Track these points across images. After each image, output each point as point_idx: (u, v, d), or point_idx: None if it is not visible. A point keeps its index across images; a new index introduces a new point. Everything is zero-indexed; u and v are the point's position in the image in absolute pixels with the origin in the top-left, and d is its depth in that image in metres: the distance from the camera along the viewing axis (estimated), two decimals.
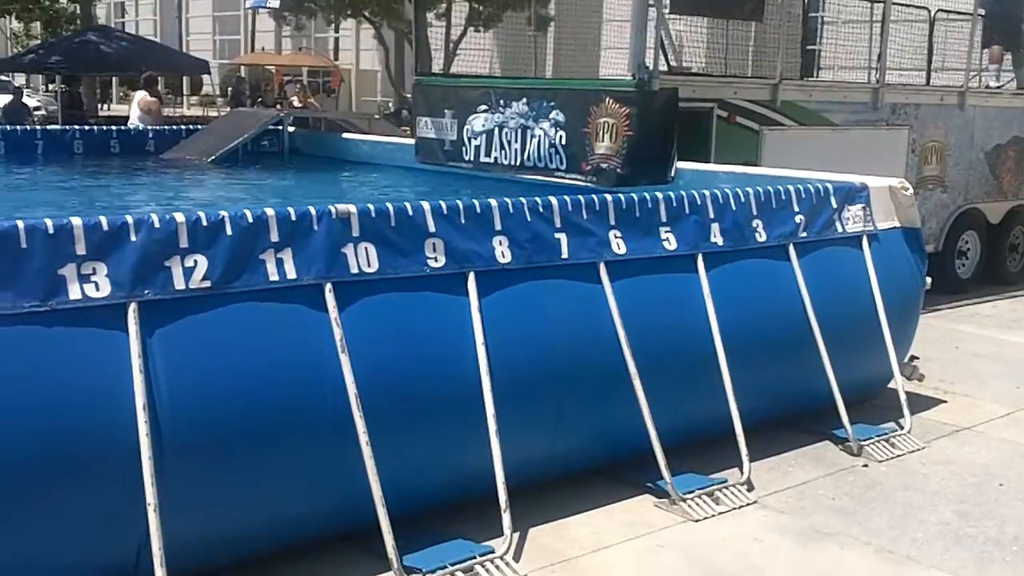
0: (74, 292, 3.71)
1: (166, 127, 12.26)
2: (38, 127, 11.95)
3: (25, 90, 26.16)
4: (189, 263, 3.96)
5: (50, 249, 3.68)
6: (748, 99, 8.55)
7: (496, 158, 8.59)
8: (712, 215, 5.64)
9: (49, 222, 3.71)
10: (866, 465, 5.74)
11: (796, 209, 6.05)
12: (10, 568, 3.58)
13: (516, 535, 4.54)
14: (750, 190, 5.87)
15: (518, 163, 8.35)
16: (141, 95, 13.40)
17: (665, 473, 5.05)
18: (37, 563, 3.66)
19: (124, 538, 3.78)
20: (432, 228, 4.63)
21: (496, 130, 8.58)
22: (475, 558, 4.35)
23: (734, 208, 5.74)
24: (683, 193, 5.59)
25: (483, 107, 8.69)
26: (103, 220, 3.82)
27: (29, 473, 3.56)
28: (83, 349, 3.71)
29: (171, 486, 3.74)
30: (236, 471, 4.00)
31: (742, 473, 5.34)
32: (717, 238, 5.64)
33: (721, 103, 8.36)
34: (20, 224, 3.65)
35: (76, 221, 3.76)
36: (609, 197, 5.31)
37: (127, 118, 14.24)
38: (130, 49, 24.10)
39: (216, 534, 4.04)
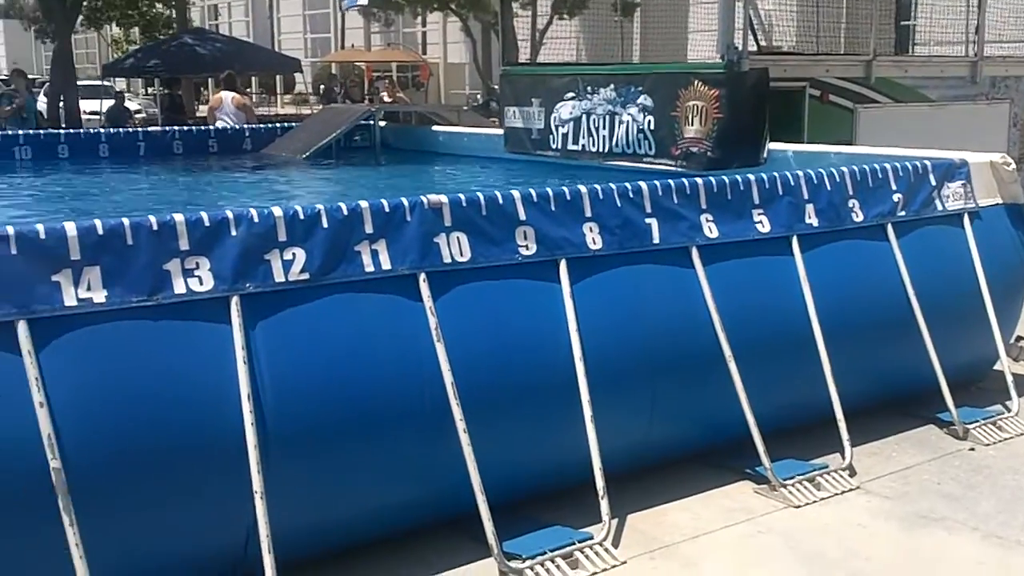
0: (179, 286, 3.82)
1: (262, 125, 12.51)
2: (139, 129, 12.28)
3: (126, 94, 26.90)
4: (288, 256, 4.05)
5: (155, 245, 3.80)
6: (841, 77, 8.39)
7: (584, 145, 8.58)
8: (806, 196, 5.55)
9: (153, 219, 3.83)
10: (972, 449, 5.60)
11: (893, 187, 5.91)
12: (122, 557, 3.71)
13: (614, 521, 4.54)
14: (845, 169, 5.76)
15: (606, 150, 8.33)
16: (229, 95, 13.65)
17: (764, 459, 4.99)
18: (149, 552, 3.78)
19: (233, 526, 3.88)
20: (523, 216, 4.65)
21: (583, 117, 8.57)
22: (574, 544, 4.37)
23: (829, 188, 5.65)
24: (776, 174, 5.51)
25: (570, 94, 8.69)
26: (204, 216, 3.92)
27: (140, 464, 3.68)
28: (189, 342, 3.82)
29: (276, 475, 3.83)
30: (338, 459, 4.07)
31: (844, 458, 5.25)
32: (812, 219, 5.55)
33: (813, 82, 8.22)
34: (126, 221, 3.77)
35: (179, 217, 3.87)
36: (700, 180, 5.27)
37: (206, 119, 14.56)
38: (225, 50, 24.67)
39: (320, 521, 4.12)
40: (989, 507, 4.87)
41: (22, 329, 3.53)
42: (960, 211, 6.20)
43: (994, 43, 10.02)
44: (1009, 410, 6.01)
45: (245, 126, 12.37)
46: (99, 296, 3.68)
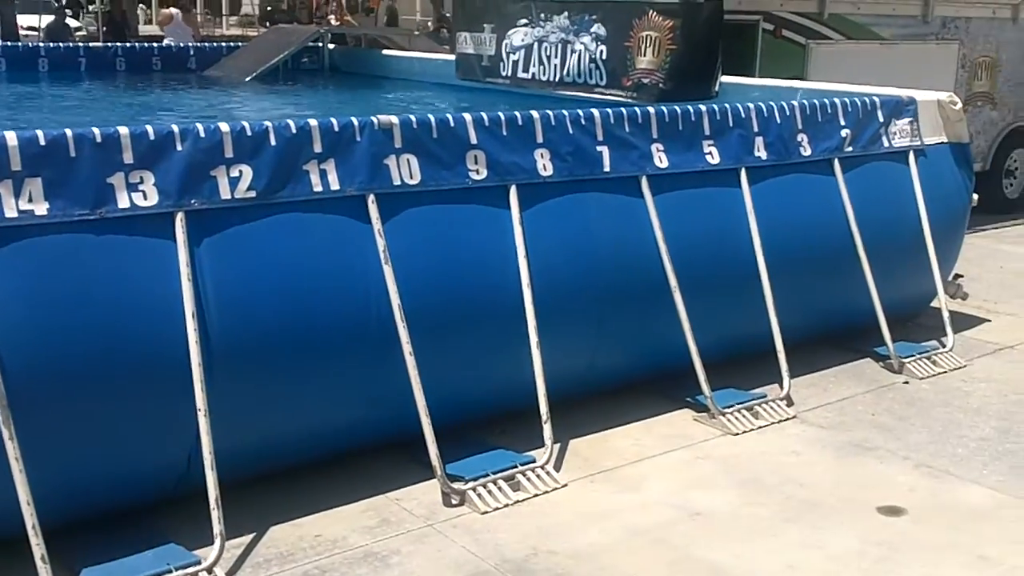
0: (123, 201, 3.75)
1: (207, 44, 12.23)
2: (81, 44, 11.94)
3: (66, 11, 26.07)
4: (235, 173, 3.99)
5: (99, 158, 3.72)
6: (795, 12, 8.37)
7: (534, 74, 8.48)
8: (756, 129, 5.58)
9: (97, 131, 3.74)
10: (907, 382, 5.73)
11: (842, 123, 5.96)
12: (63, 472, 3.68)
13: (557, 446, 4.61)
14: (795, 103, 5.79)
15: (557, 79, 8.24)
16: (178, 12, 13.34)
17: (705, 388, 5.07)
18: (90, 467, 3.76)
19: (176, 443, 3.87)
20: (474, 140, 4.62)
21: (536, 45, 8.46)
22: (516, 467, 4.43)
23: (779, 122, 5.68)
24: (727, 106, 5.52)
25: (523, 21, 8.56)
26: (149, 129, 3.85)
27: (81, 379, 3.64)
28: (132, 257, 3.76)
29: (219, 393, 3.82)
30: (282, 378, 4.07)
31: (782, 389, 5.36)
32: (761, 152, 5.58)
33: (767, 16, 8.20)
34: (69, 133, 3.69)
35: (123, 130, 3.79)
36: (652, 110, 5.27)
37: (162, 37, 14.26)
38: None
39: (264, 441, 4.13)
40: (921, 438, 5.00)
41: None
42: (906, 148, 6.27)
43: None
44: (944, 346, 6.15)
45: (190, 44, 12.08)
46: (40, 208, 3.60)
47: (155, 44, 12.09)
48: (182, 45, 12.08)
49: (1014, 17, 10.14)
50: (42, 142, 3.63)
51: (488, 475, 4.34)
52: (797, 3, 8.47)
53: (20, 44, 11.43)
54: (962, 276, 6.91)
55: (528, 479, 4.39)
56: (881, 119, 6.16)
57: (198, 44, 12.14)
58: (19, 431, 3.42)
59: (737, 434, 4.98)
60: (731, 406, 5.14)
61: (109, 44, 11.48)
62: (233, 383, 3.91)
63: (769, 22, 8.20)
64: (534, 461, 4.49)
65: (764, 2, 8.32)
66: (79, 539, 3.74)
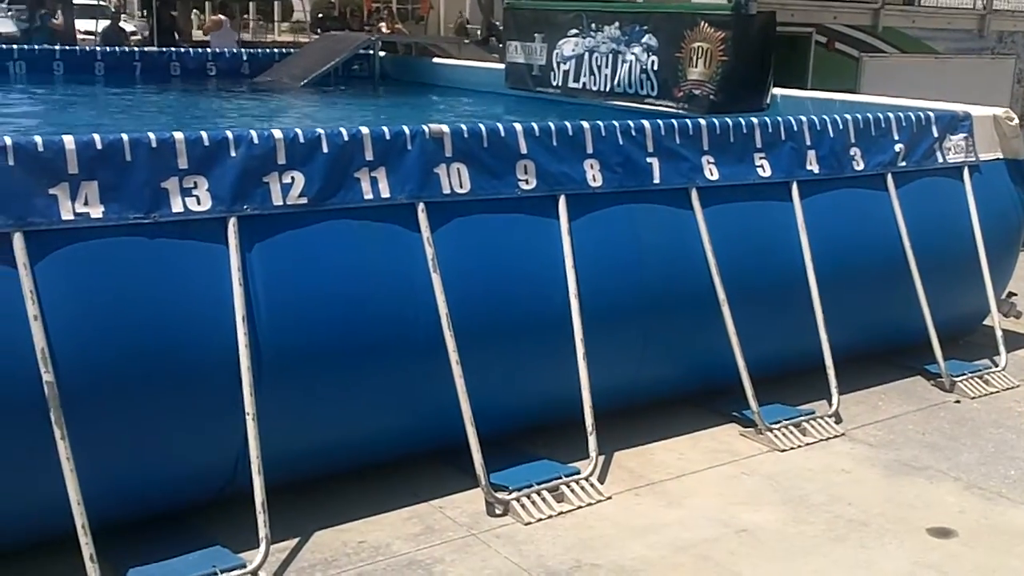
0: (176, 205, 3.79)
1: (259, 50, 12.36)
2: (136, 49, 12.12)
3: (122, 14, 26.48)
4: (287, 179, 4.02)
5: (153, 162, 3.77)
6: (848, 25, 8.31)
7: (585, 84, 8.50)
8: (809, 142, 5.53)
9: (152, 136, 3.79)
10: (958, 401, 5.65)
11: (896, 137, 5.89)
12: (112, 472, 3.73)
13: (601, 458, 4.58)
14: (848, 117, 5.73)
15: (607, 89, 8.26)
16: (226, 19, 13.52)
17: (752, 403, 5.03)
18: (140, 468, 3.80)
19: (224, 446, 3.90)
20: (524, 150, 4.62)
21: (586, 55, 8.48)
22: (560, 478, 4.41)
23: (831, 135, 5.62)
24: (779, 119, 5.48)
25: (574, 31, 8.59)
26: (204, 135, 3.89)
27: (133, 381, 3.68)
28: (185, 261, 3.80)
29: (269, 397, 3.84)
30: (331, 384, 4.09)
31: (831, 405, 5.30)
32: (813, 166, 5.53)
33: (820, 28, 8.15)
34: (125, 137, 3.73)
35: (178, 135, 3.83)
36: (703, 121, 5.24)
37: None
38: None
39: (311, 445, 4.15)
40: (971, 458, 4.92)
41: (18, 241, 3.50)
42: (960, 164, 6.19)
43: None
44: (996, 365, 6.05)
45: (243, 50, 12.23)
46: (96, 211, 3.65)
47: (208, 50, 12.23)
48: (235, 51, 12.22)
49: None
50: (99, 146, 3.68)
51: (532, 486, 4.33)
52: (851, 16, 8.41)
53: (77, 48, 11.60)
54: (1016, 294, 6.79)
55: (572, 491, 4.37)
56: (935, 134, 6.08)
57: (252, 51, 12.26)
58: (71, 431, 3.46)
59: (784, 450, 4.92)
60: (778, 422, 5.09)
61: (164, 49, 11.63)
62: (282, 388, 3.94)
63: (822, 34, 8.14)
64: (578, 473, 4.47)
65: (817, 15, 8.28)
66: (127, 540, 3.77)
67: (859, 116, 5.78)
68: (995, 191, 6.35)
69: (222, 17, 14.30)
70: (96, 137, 3.69)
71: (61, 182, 3.61)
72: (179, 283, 3.79)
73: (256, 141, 3.97)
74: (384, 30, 23.87)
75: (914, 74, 8.50)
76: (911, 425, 5.31)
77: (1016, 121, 6.50)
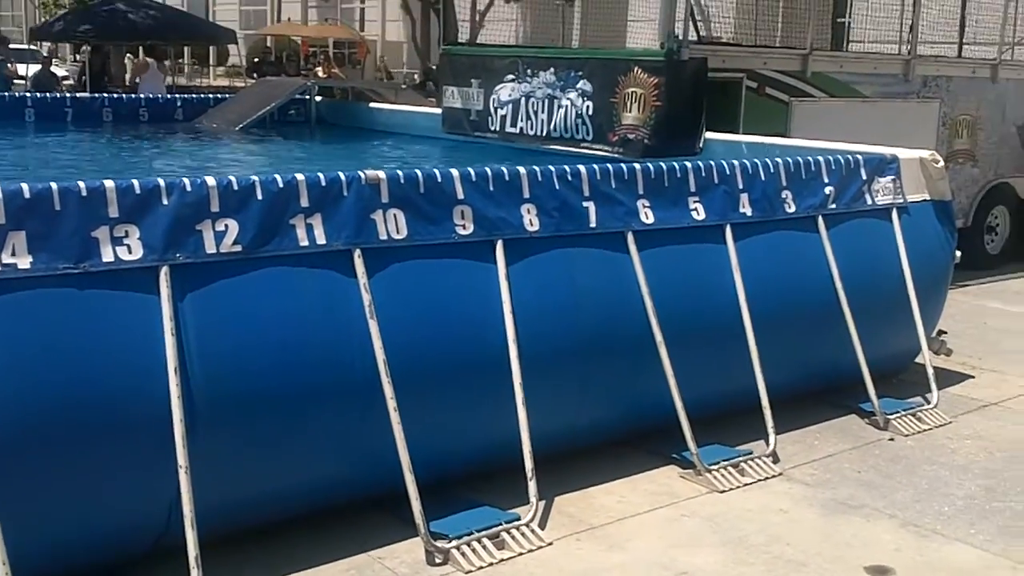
0: (107, 255, 3.73)
1: (194, 96, 12.29)
2: (67, 95, 11.98)
3: (54, 59, 26.17)
4: (220, 227, 3.98)
5: (84, 211, 3.71)
6: (778, 70, 8.47)
7: (522, 128, 8.57)
8: (741, 185, 5.61)
9: (82, 184, 3.73)
10: (892, 439, 5.72)
11: (825, 180, 6.01)
12: (44, 526, 3.63)
13: (542, 503, 4.56)
14: (779, 160, 5.83)
15: (544, 133, 8.33)
16: (154, 61, 13.46)
17: (691, 444, 5.05)
18: (68, 524, 3.70)
19: (155, 500, 3.82)
20: (461, 195, 4.63)
21: (523, 100, 8.56)
22: (501, 525, 4.38)
23: (763, 179, 5.71)
24: (712, 163, 5.56)
25: (510, 76, 8.66)
26: (136, 183, 3.84)
27: (61, 434, 3.60)
28: (116, 311, 3.73)
29: (202, 449, 3.77)
30: (265, 434, 4.03)
31: (768, 445, 5.34)
32: (746, 208, 5.61)
33: (751, 74, 8.29)
34: (54, 186, 3.67)
35: (109, 184, 3.78)
36: (638, 166, 5.29)
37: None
38: (158, 18, 24.03)
39: (246, 496, 4.08)
40: (907, 496, 4.98)
41: None
42: (889, 206, 6.31)
43: (927, 43, 10.20)
44: (929, 402, 6.15)
45: (177, 96, 12.14)
46: (24, 262, 3.58)
47: (141, 95, 12.12)
48: (169, 96, 12.14)
49: (993, 77, 10.30)
50: (27, 195, 3.62)
51: (472, 533, 4.29)
52: (780, 61, 8.58)
53: (6, 95, 11.43)
54: (946, 332, 6.93)
55: (513, 537, 4.34)
56: (864, 176, 6.21)
57: (186, 95, 12.18)
58: None
59: (723, 491, 4.95)
60: (717, 463, 5.12)
61: (96, 95, 11.51)
62: (216, 439, 3.87)
63: (752, 80, 8.29)
64: (519, 519, 4.45)
65: (748, 60, 8.43)
66: None
67: (790, 159, 5.89)
68: (923, 232, 6.48)
69: (148, 60, 14.21)
70: (24, 186, 3.62)
71: None
72: (110, 334, 3.72)
73: (189, 189, 3.93)
74: (320, 75, 23.91)
75: (843, 117, 8.68)
76: (847, 464, 5.36)
77: (941, 163, 6.67)
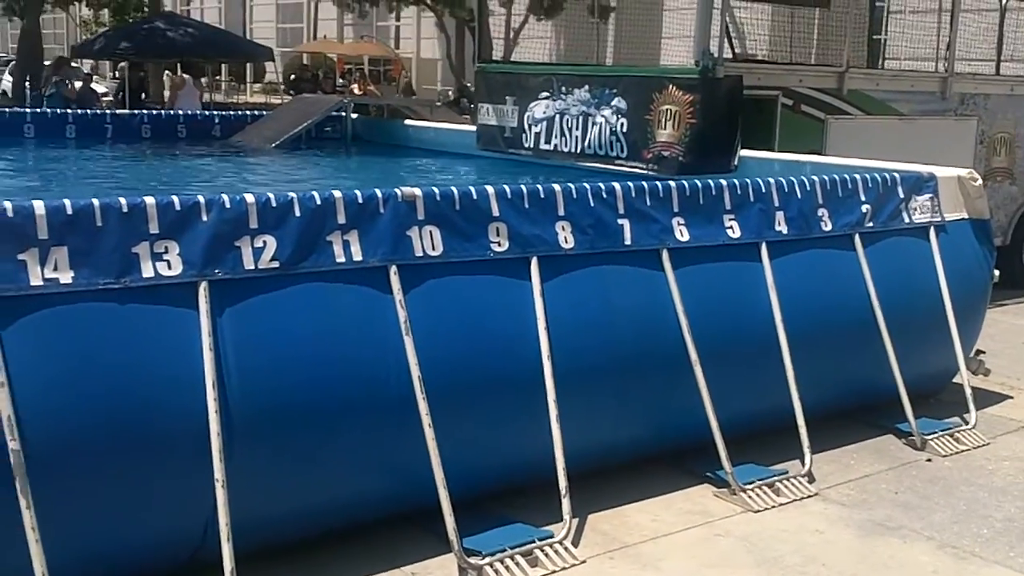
0: (147, 270, 3.78)
1: (231, 112, 12.42)
2: (107, 111, 12.15)
3: (94, 76, 26.57)
4: (259, 243, 4.02)
5: (124, 227, 3.76)
6: (813, 87, 8.45)
7: (556, 145, 8.59)
8: (777, 203, 5.59)
9: (123, 201, 3.78)
10: (930, 460, 5.67)
11: (862, 198, 5.97)
12: (82, 538, 3.67)
13: (575, 521, 4.56)
14: (816, 178, 5.81)
15: (578, 150, 8.34)
16: (190, 78, 13.64)
17: (726, 463, 5.02)
18: (107, 536, 3.74)
19: (192, 513, 3.85)
20: (496, 212, 4.65)
21: (557, 117, 8.58)
22: (534, 542, 4.37)
23: (799, 196, 5.69)
24: (748, 181, 5.55)
25: (544, 94, 8.69)
26: (175, 200, 3.89)
27: (102, 448, 3.64)
28: (155, 326, 3.78)
29: (238, 463, 3.81)
30: (302, 449, 4.05)
31: (803, 465, 5.30)
32: (782, 227, 5.59)
33: (786, 91, 8.27)
34: (96, 202, 3.73)
35: (149, 200, 3.83)
36: (673, 183, 5.29)
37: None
38: (196, 36, 24.43)
39: (281, 511, 4.10)
40: (944, 517, 4.93)
41: None
42: (926, 224, 6.27)
43: (964, 60, 10.13)
44: (967, 423, 6.09)
45: (215, 112, 12.28)
46: (66, 277, 3.63)
47: (180, 112, 12.27)
48: (207, 113, 12.27)
49: None
50: (69, 211, 3.67)
51: (506, 550, 4.29)
52: (816, 79, 8.55)
53: (48, 111, 11.60)
54: (984, 352, 6.85)
55: (546, 554, 4.34)
56: (901, 195, 6.17)
57: (224, 112, 12.31)
58: (37, 499, 3.41)
59: (758, 511, 4.91)
60: (752, 482, 5.08)
61: (135, 112, 11.67)
62: (252, 454, 3.90)
63: (788, 97, 8.26)
64: (552, 536, 4.44)
65: (783, 78, 8.41)
66: None
67: (826, 178, 5.87)
68: (961, 250, 6.43)
69: (185, 76, 14.43)
70: (67, 202, 3.68)
71: (30, 247, 3.59)
72: (149, 348, 3.76)
73: (228, 205, 3.97)
74: (356, 92, 24.09)
75: (879, 135, 8.63)
76: (883, 484, 5.32)
77: (979, 181, 6.61)
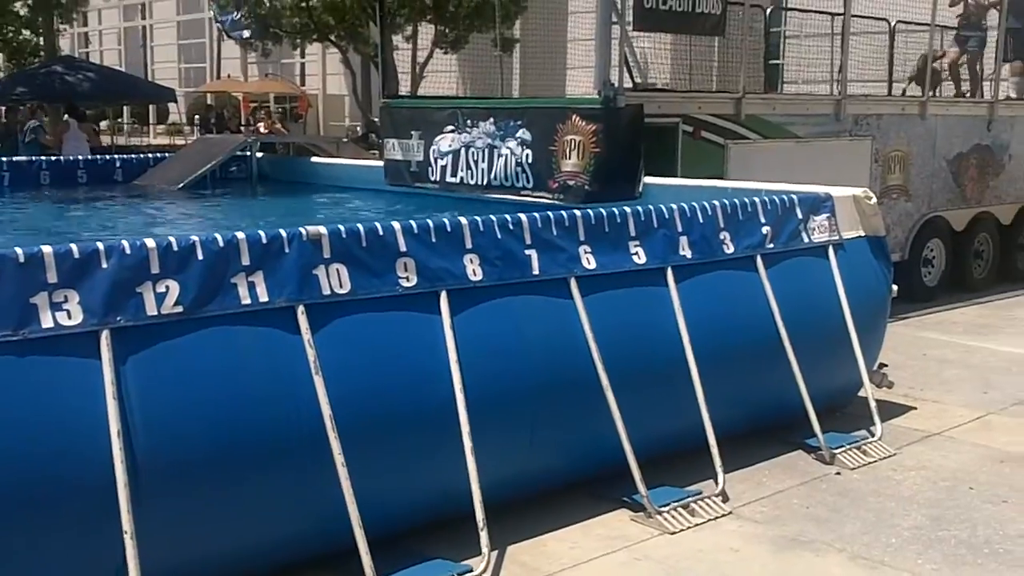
0: (46, 321, 3.70)
1: (133, 156, 12.20)
2: (3, 159, 11.84)
3: None
4: (161, 288, 3.96)
5: (21, 278, 3.68)
6: (712, 114, 8.64)
7: (463, 178, 8.62)
8: (680, 228, 5.69)
9: (19, 251, 3.70)
10: (839, 473, 5.79)
11: (762, 220, 6.11)
12: None
13: (494, 553, 4.55)
14: (717, 203, 5.93)
15: (485, 183, 8.39)
16: (74, 122, 13.36)
17: (640, 487, 5.07)
18: None
19: (101, 566, 3.76)
20: (403, 247, 4.65)
21: (463, 150, 8.62)
22: None
23: (701, 221, 5.80)
24: (651, 207, 5.64)
25: (450, 127, 8.73)
26: (74, 247, 3.82)
27: (6, 503, 3.54)
28: (57, 378, 3.70)
29: (147, 514, 3.73)
30: (212, 496, 3.99)
31: (717, 484, 5.38)
32: (686, 251, 5.70)
33: (686, 118, 8.45)
34: None
35: (47, 249, 3.76)
36: (578, 212, 5.36)
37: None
38: (96, 79, 23.96)
39: (194, 558, 4.03)
40: (855, 529, 5.04)
41: None
42: (825, 243, 6.44)
43: (857, 82, 10.46)
44: (873, 435, 6.24)
45: (116, 156, 12.06)
46: None
47: (80, 157, 12.02)
48: (107, 157, 12.03)
49: (921, 114, 10.58)
50: None
51: None
52: (715, 105, 8.75)
53: None
54: (887, 365, 7.04)
55: None
56: (800, 216, 6.34)
57: (125, 155, 12.09)
58: None
59: (674, 533, 4.97)
60: (667, 504, 5.14)
61: (33, 159, 11.39)
62: (161, 502, 3.82)
63: (688, 124, 8.44)
64: (471, 570, 4.43)
65: (683, 105, 8.58)
66: None
67: (727, 202, 6.00)
68: (859, 267, 6.61)
69: (69, 120, 14.06)
70: None
71: None
72: (51, 401, 3.68)
73: (128, 251, 3.91)
74: (262, 130, 23.87)
75: (778, 158, 8.85)
76: (795, 499, 5.42)
77: (874, 200, 6.82)
